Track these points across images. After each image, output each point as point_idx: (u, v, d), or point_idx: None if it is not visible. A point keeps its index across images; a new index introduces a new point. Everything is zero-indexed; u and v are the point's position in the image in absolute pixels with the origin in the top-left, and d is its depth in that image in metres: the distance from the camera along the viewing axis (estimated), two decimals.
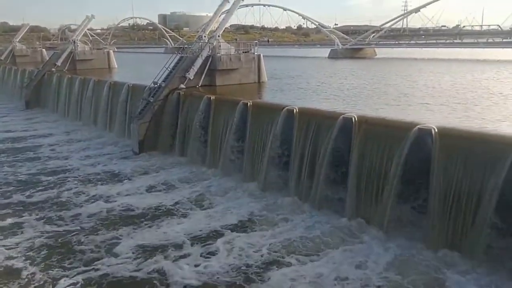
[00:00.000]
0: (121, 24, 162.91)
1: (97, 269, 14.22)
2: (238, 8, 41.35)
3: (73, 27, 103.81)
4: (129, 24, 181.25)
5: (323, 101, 24.50)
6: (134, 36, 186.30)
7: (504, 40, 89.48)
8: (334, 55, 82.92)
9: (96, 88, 38.22)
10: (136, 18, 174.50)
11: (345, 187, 17.40)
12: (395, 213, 15.55)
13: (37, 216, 18.74)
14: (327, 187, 18.00)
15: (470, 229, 13.78)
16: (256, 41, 37.80)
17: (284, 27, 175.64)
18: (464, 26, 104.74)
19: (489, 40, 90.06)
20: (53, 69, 49.63)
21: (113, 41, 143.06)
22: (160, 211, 19.25)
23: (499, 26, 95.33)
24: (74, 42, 52.46)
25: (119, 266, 14.40)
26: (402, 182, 15.37)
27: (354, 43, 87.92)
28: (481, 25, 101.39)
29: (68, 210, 19.40)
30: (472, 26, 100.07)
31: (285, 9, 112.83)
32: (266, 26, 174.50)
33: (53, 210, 19.48)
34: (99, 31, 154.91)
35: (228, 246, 15.61)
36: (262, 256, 14.92)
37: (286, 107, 20.52)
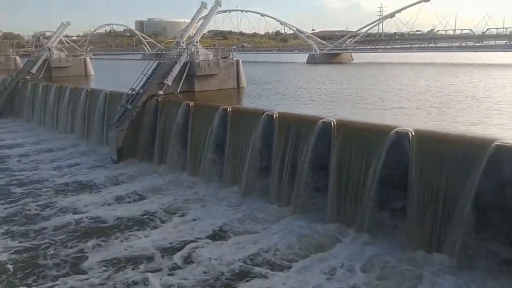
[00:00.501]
0: (97, 31, 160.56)
1: (63, 285, 13.71)
2: (216, 14, 41.41)
3: (48, 34, 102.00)
4: (105, 30, 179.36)
5: (302, 106, 24.63)
6: (111, 42, 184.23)
7: (476, 44, 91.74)
8: (312, 61, 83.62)
9: (72, 95, 37.64)
10: (112, 24, 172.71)
11: (325, 192, 17.49)
12: (374, 216, 15.71)
13: (2, 231, 17.96)
14: (308, 191, 18.07)
15: (448, 230, 14.00)
16: (235, 47, 37.85)
17: (263, 33, 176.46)
18: (438, 31, 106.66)
19: (462, 44, 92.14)
20: (27, 77, 48.71)
21: (89, 48, 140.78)
22: (133, 221, 18.73)
23: (471, 31, 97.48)
24: (49, 49, 51.60)
25: (86, 282, 13.92)
26: (381, 185, 15.56)
27: (332, 48, 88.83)
28: (454, 30, 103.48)
29: (35, 224, 18.62)
30: (446, 30, 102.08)
31: (262, 15, 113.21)
32: (244, 32, 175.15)
33: (18, 224, 18.72)
34: (75, 38, 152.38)
35: (201, 257, 15.20)
36: (234, 267, 14.57)
37: (266, 112, 20.57)
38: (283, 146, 19.36)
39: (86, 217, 19.30)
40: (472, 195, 13.27)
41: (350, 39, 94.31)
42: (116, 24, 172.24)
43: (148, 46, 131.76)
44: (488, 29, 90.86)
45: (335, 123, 17.61)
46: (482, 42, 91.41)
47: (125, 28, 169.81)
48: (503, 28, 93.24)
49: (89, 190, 23.15)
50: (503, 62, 65.24)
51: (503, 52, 76.17)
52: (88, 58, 58.33)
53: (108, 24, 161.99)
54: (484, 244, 13.14)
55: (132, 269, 14.65)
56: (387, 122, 17.98)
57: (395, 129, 15.64)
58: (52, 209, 20.44)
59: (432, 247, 14.34)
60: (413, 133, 15.17)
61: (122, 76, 49.51)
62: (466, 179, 13.51)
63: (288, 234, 16.74)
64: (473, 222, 13.25)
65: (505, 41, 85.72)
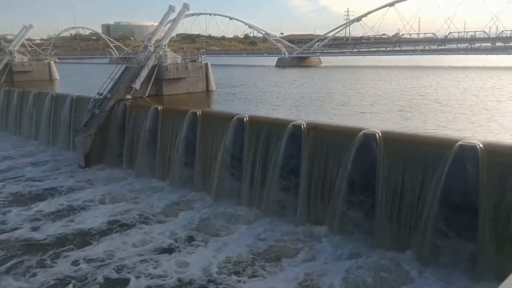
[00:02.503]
0: (62, 34, 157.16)
1: None
2: (184, 17, 41.15)
3: (9, 37, 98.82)
4: (70, 34, 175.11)
5: (271, 109, 24.75)
6: (76, 46, 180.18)
7: (439, 47, 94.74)
8: (281, 64, 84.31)
9: (37, 100, 36.52)
10: (78, 28, 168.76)
11: (296, 194, 17.62)
12: (345, 217, 15.92)
13: None
14: (279, 194, 18.15)
15: (416, 230, 14.33)
16: (203, 50, 37.69)
17: (231, 36, 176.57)
18: (402, 34, 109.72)
19: (425, 48, 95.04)
20: None
21: (54, 52, 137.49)
22: (98, 229, 17.91)
23: (434, 34, 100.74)
24: (11, 53, 49.93)
25: None
26: (350, 186, 15.80)
27: (300, 52, 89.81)
28: (418, 34, 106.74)
29: None
30: (410, 34, 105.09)
31: (231, 18, 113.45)
32: (213, 35, 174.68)
33: None
34: (38, 41, 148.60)
35: (161, 269, 14.55)
36: (195, 277, 14.07)
37: (236, 116, 20.55)
38: (254, 149, 19.38)
39: (44, 225, 18.54)
40: (438, 194, 13.64)
41: (318, 43, 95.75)
42: (82, 28, 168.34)
43: (115, 50, 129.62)
44: (450, 33, 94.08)
45: (305, 126, 17.78)
46: (444, 46, 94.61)
47: (91, 31, 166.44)
48: (464, 32, 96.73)
49: (53, 197, 22.34)
50: (465, 64, 67.56)
51: (465, 55, 78.94)
52: (52, 62, 56.81)
53: (73, 28, 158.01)
54: (450, 242, 13.51)
55: None
56: (355, 124, 18.30)
57: (363, 131, 15.92)
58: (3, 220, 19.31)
59: (402, 246, 14.59)
60: (380, 135, 15.48)
61: (89, 80, 48.47)
62: (432, 179, 13.89)
63: (262, 235, 16.71)
64: (441, 220, 13.60)
65: (466, 45, 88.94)
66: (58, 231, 17.95)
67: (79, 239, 17.20)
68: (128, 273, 14.41)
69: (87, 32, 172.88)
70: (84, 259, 15.40)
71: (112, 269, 14.65)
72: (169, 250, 16.06)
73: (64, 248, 16.35)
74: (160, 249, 16.16)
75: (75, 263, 15.18)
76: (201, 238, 16.91)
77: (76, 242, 16.96)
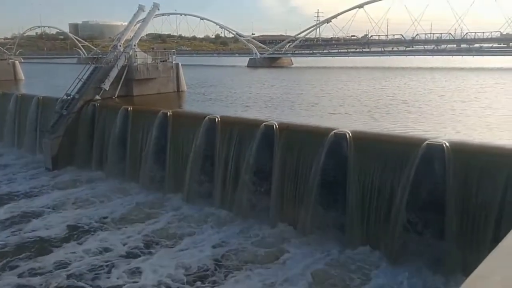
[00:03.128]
0: (27, 33, 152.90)
1: None
2: (154, 17, 40.70)
3: None
4: (36, 33, 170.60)
5: (243, 109, 24.73)
6: (42, 46, 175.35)
7: (407, 48, 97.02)
8: (253, 64, 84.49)
9: (0, 101, 35.34)
10: (44, 27, 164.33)
11: (268, 194, 17.65)
12: (317, 216, 16.06)
13: None
14: (251, 195, 18.12)
15: (386, 228, 14.59)
16: (174, 50, 37.36)
17: (202, 36, 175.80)
18: (371, 36, 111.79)
19: (394, 49, 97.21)
20: None
21: (18, 51, 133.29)
22: (61, 236, 17.09)
23: (402, 36, 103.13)
24: None
25: None
26: (322, 186, 15.95)
27: (272, 53, 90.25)
28: (387, 35, 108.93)
29: None
30: (379, 35, 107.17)
31: (202, 19, 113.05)
32: (183, 35, 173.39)
33: None
34: (2, 40, 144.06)
35: (114, 279, 13.93)
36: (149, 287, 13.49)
37: (208, 116, 20.43)
38: (226, 149, 19.31)
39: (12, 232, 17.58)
40: (407, 192, 13.93)
41: (289, 44, 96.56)
42: (48, 27, 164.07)
43: (83, 50, 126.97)
44: (417, 34, 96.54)
45: (277, 126, 17.85)
46: (412, 47, 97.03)
47: (58, 30, 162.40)
48: (430, 33, 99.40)
49: (11, 201, 21.31)
50: (432, 65, 69.37)
51: (431, 56, 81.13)
52: (17, 61, 55.04)
53: (39, 26, 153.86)
54: (419, 240, 13.81)
55: None
56: (326, 124, 18.49)
57: (334, 131, 16.11)
58: None
59: (373, 245, 14.83)
60: (350, 134, 15.71)
61: (56, 80, 47.22)
62: (401, 177, 14.18)
63: (227, 238, 16.50)
64: (410, 218, 13.90)
65: (433, 46, 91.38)
66: (9, 240, 16.71)
67: (32, 248, 16.06)
68: (80, 286, 13.56)
69: (54, 31, 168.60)
70: (32, 271, 14.31)
71: (63, 280, 13.73)
72: (127, 258, 15.24)
73: (11, 259, 15.13)
74: (117, 256, 15.29)
75: (22, 275, 14.08)
76: (164, 243, 16.19)
77: (28, 251, 15.77)
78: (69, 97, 27.41)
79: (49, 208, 20.38)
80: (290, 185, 17.14)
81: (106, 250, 15.89)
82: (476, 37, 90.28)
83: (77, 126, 26.89)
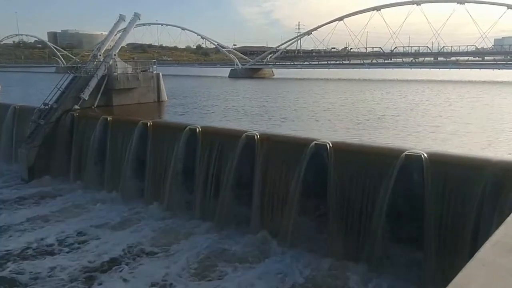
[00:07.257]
0: (4, 42, 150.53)
1: None
2: (135, 27, 40.50)
3: None
4: (14, 41, 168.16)
5: (224, 120, 24.71)
6: (20, 54, 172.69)
7: (385, 61, 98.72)
8: (235, 75, 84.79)
9: None
10: (22, 35, 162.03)
11: (249, 205, 17.58)
12: (298, 227, 16.04)
13: None
14: (232, 206, 18.04)
15: (366, 239, 14.67)
16: (155, 60, 37.23)
17: (183, 47, 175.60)
18: (351, 48, 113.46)
19: (373, 61, 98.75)
20: None
21: None
22: (33, 251, 16.11)
23: (381, 49, 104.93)
24: None
25: None
26: (303, 196, 15.98)
27: (253, 63, 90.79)
28: (366, 48, 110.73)
29: None
30: (358, 48, 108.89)
31: (183, 29, 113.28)
32: (164, 45, 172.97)
33: None
34: None
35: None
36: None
37: (189, 126, 20.34)
38: (207, 160, 19.21)
39: None
40: (386, 203, 14.05)
41: (271, 55, 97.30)
42: (26, 35, 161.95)
43: (62, 59, 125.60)
44: (396, 47, 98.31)
45: (258, 136, 17.87)
46: (391, 59, 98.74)
47: (36, 39, 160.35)
48: (409, 46, 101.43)
49: None
50: (410, 78, 70.74)
51: (409, 69, 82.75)
52: None
53: (16, 35, 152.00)
54: (398, 250, 13.91)
55: None
56: (305, 135, 18.62)
57: (314, 141, 16.21)
58: None
59: (352, 256, 14.82)
60: (330, 145, 15.83)
61: (34, 89, 46.47)
62: (380, 187, 14.31)
63: (206, 250, 16.26)
64: (389, 228, 14.01)
65: (411, 59, 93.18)
66: None
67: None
68: None
69: (32, 40, 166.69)
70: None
71: None
72: (100, 274, 14.55)
73: None
74: (90, 274, 14.53)
75: None
76: (141, 258, 15.69)
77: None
78: (47, 107, 26.94)
79: (20, 221, 19.37)
80: (271, 195, 17.10)
81: (80, 266, 15.09)
82: (453, 50, 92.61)
83: (55, 136, 26.39)
